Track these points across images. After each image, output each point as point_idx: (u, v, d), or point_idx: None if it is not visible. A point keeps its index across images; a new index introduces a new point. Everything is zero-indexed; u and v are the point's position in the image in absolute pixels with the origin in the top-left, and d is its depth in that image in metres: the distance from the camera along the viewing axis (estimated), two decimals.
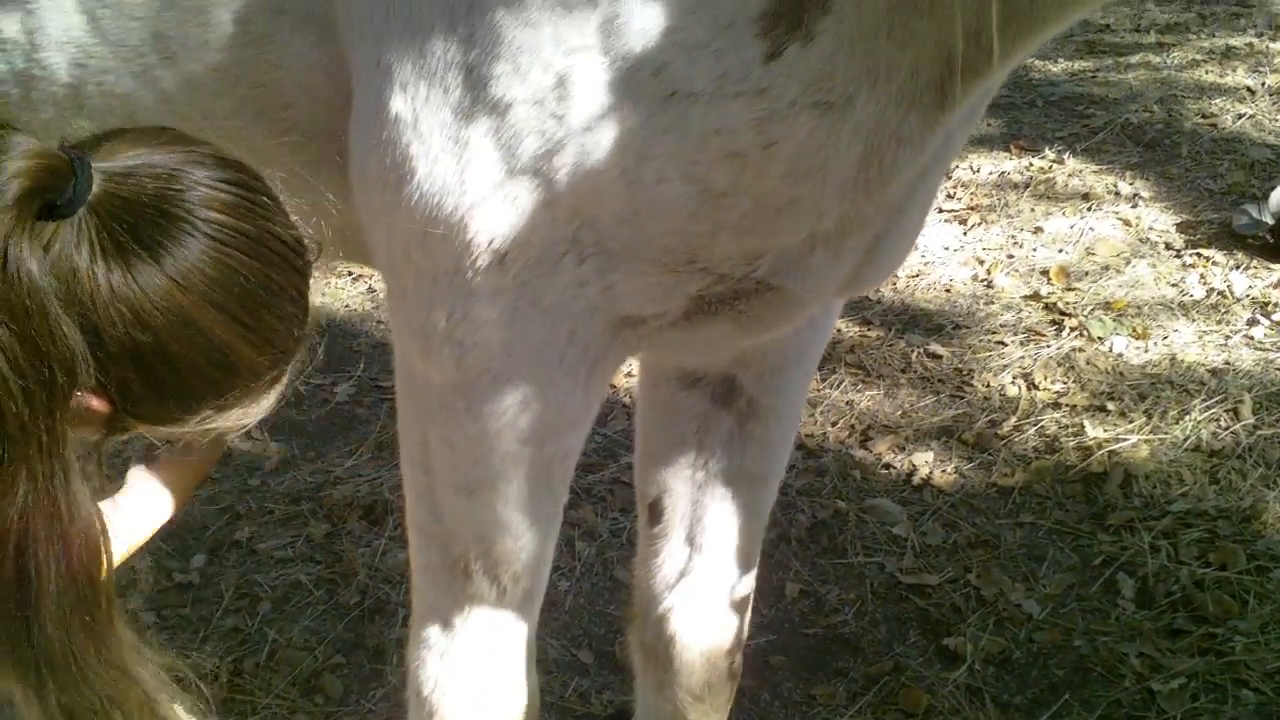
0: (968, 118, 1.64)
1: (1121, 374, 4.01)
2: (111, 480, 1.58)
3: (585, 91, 1.40)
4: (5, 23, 1.74)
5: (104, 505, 1.40)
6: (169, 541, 3.60)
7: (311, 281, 1.44)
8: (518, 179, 1.46)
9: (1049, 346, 4.17)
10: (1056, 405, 3.89)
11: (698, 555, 2.15)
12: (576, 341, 1.60)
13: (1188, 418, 3.77)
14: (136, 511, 1.64)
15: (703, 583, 2.16)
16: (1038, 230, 4.92)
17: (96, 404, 1.27)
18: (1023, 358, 4.13)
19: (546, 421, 1.66)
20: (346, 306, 4.78)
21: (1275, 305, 4.29)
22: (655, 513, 2.16)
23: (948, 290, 4.56)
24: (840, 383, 4.06)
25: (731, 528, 2.13)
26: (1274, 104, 5.77)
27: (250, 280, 1.29)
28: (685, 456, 2.09)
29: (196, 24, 1.65)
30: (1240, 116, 5.66)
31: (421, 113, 1.47)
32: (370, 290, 4.80)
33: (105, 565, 1.32)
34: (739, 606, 2.19)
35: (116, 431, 1.35)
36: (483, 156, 1.45)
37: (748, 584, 2.20)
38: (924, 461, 3.70)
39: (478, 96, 1.43)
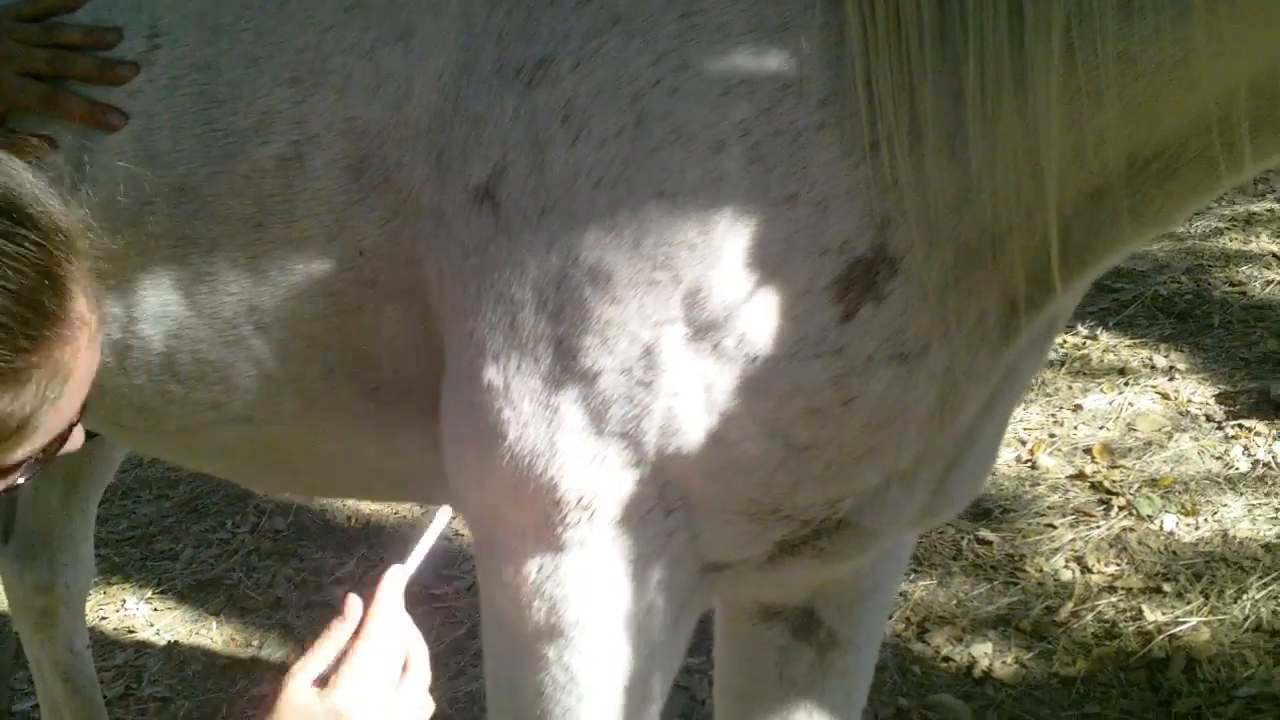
0: (1037, 346, 1.70)
1: (1174, 553, 4.00)
2: None
3: (670, 360, 1.46)
4: (106, 300, 1.83)
5: None
6: None
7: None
8: (606, 441, 1.52)
9: (1099, 527, 4.17)
10: (1112, 589, 3.87)
11: None
12: (664, 589, 1.64)
13: (1245, 596, 3.75)
14: None
15: None
16: (1077, 408, 4.96)
17: None
18: (1073, 540, 4.13)
19: (635, 668, 1.68)
20: (396, 514, 4.83)
21: None
22: None
23: (993, 474, 4.57)
24: None
25: None
26: None
27: None
28: (766, 688, 2.10)
29: (289, 296, 1.73)
30: (1269, 284, 5.73)
31: (513, 381, 1.53)
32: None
33: None
34: None
35: None
36: (572, 421, 1.52)
37: None
38: (983, 653, 3.68)
39: (567, 366, 1.50)
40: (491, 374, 1.54)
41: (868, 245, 1.42)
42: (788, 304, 1.44)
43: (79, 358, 1.31)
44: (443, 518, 1.56)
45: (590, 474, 1.54)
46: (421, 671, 1.53)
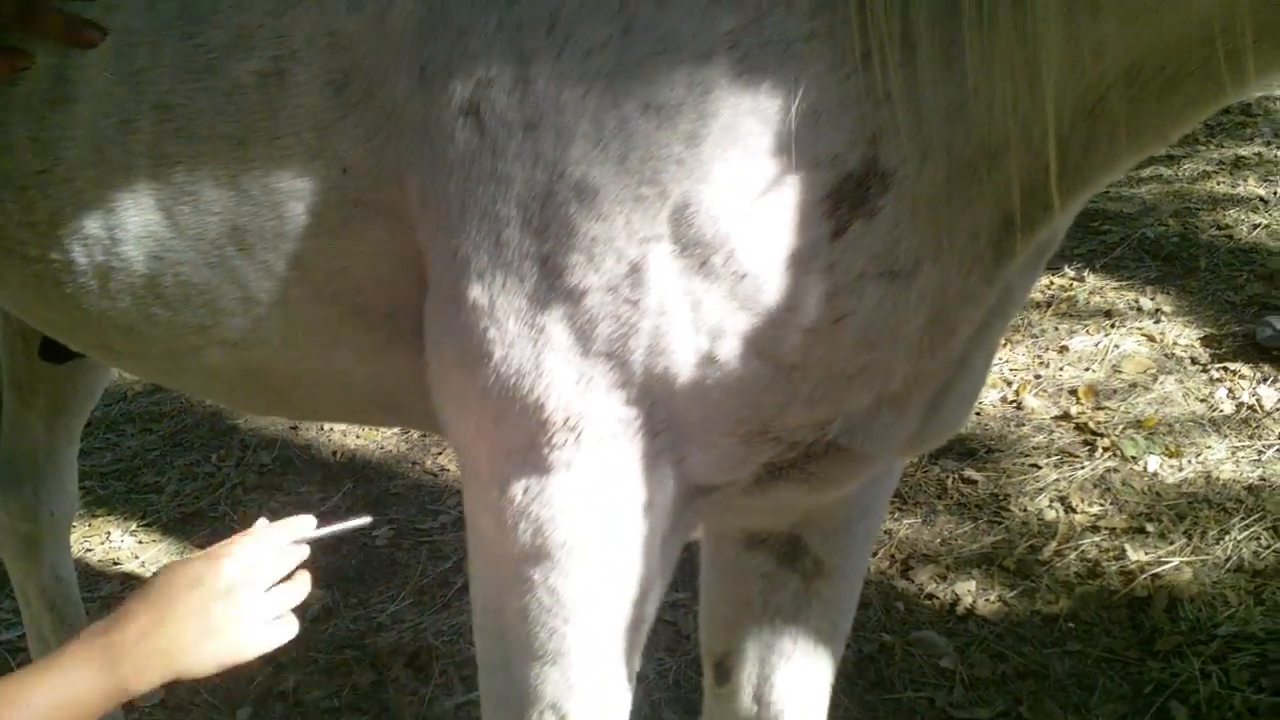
0: (1029, 269, 1.69)
1: (1158, 494, 4.02)
2: None
3: (657, 278, 1.45)
4: (87, 221, 1.80)
5: None
6: (214, 694, 3.60)
7: None
8: (592, 361, 1.50)
9: (1083, 468, 4.19)
10: (1095, 528, 3.89)
11: (766, 714, 2.15)
12: (651, 512, 1.63)
13: (1228, 537, 3.77)
14: None
15: None
16: (1063, 349, 4.97)
17: None
18: (1058, 480, 4.14)
19: (621, 591, 1.68)
20: (381, 449, 4.82)
21: None
22: (722, 671, 2.17)
23: (978, 413, 4.59)
24: None
25: (800, 686, 2.14)
26: None
27: None
28: (751, 616, 2.10)
29: (272, 217, 1.71)
30: (1255, 227, 5.72)
31: (498, 300, 1.52)
32: (404, 432, 4.84)
33: None
34: None
35: None
36: (558, 341, 1.50)
37: None
38: (967, 590, 3.70)
39: (553, 285, 1.48)
40: (476, 293, 1.53)
41: (859, 159, 1.40)
42: (777, 220, 1.42)
43: None
44: (360, 522, 1.76)
45: (576, 394, 1.52)
46: (294, 592, 1.66)
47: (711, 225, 1.42)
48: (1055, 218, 1.50)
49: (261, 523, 1.70)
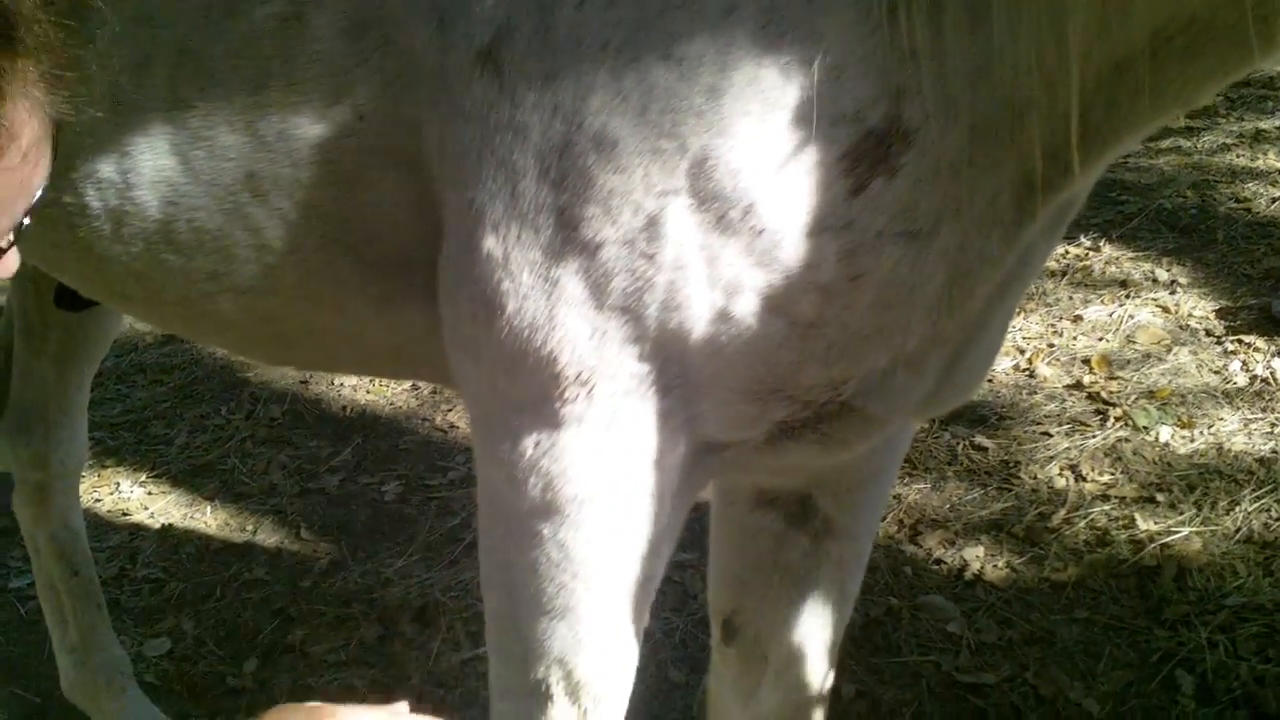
0: (1049, 232, 1.67)
1: (1169, 464, 4.01)
2: None
3: (674, 232, 1.43)
4: (101, 164, 1.79)
5: None
6: (221, 646, 3.62)
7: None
8: (606, 315, 1.49)
9: (1094, 437, 4.18)
10: (1105, 497, 3.88)
11: (772, 673, 2.15)
12: (661, 468, 1.62)
13: (1238, 508, 3.76)
14: None
15: (778, 701, 2.16)
16: (1077, 318, 4.94)
17: None
18: (1069, 448, 4.13)
19: (630, 547, 1.68)
20: (391, 404, 4.82)
21: None
22: (730, 630, 2.17)
23: (990, 381, 4.57)
24: None
25: (807, 646, 2.14)
26: None
27: None
28: (760, 575, 2.10)
29: (288, 164, 1.70)
30: (1274, 200, 5.68)
31: (513, 252, 1.50)
32: (414, 388, 4.84)
33: None
34: None
35: None
36: (572, 294, 1.49)
37: (822, 701, 2.20)
38: (975, 556, 3.70)
39: (568, 237, 1.47)
40: (491, 244, 1.51)
41: (881, 116, 1.39)
42: (797, 175, 1.40)
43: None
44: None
45: (590, 348, 1.51)
46: None
47: (730, 180, 1.41)
48: (1075, 181, 1.48)
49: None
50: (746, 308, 1.47)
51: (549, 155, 1.45)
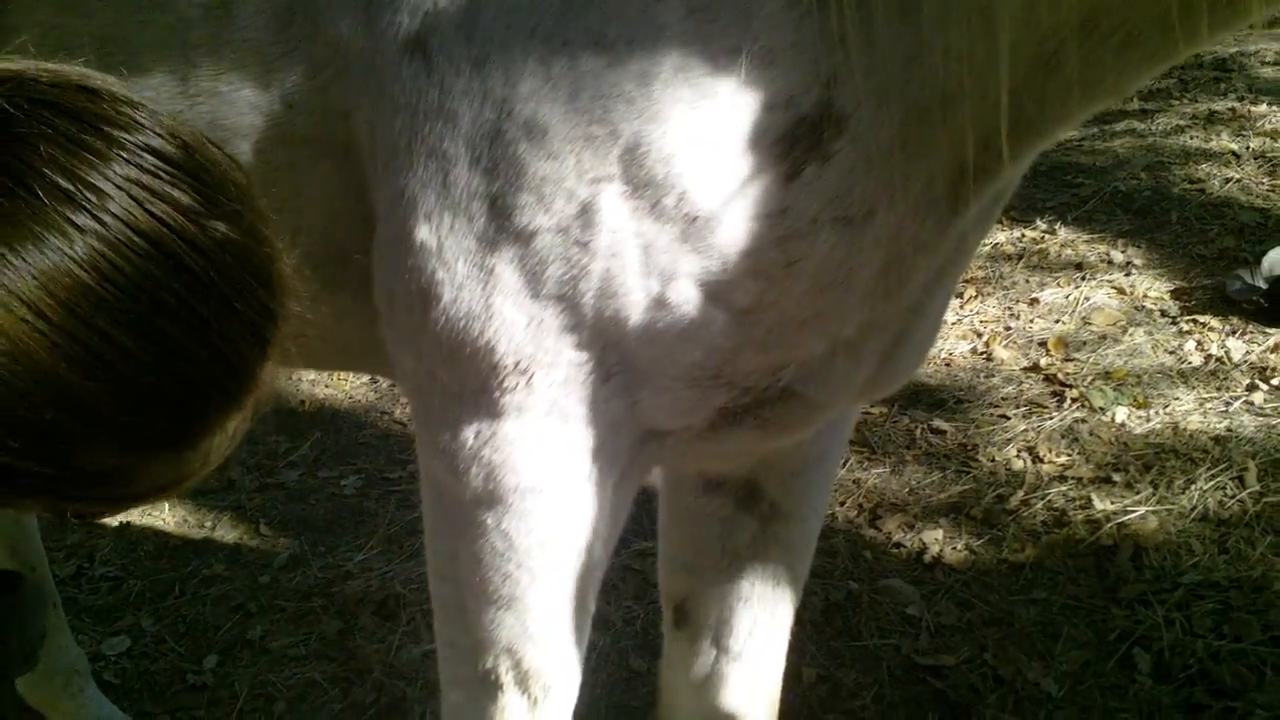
0: (983, 219, 1.68)
1: (1125, 444, 4.03)
2: None
3: (608, 219, 1.43)
4: None
5: None
6: (181, 643, 3.60)
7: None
8: (543, 304, 1.49)
9: (1051, 418, 4.20)
10: (1062, 478, 3.90)
11: (724, 657, 2.16)
12: (603, 456, 1.62)
13: (1194, 487, 3.79)
14: None
15: (730, 685, 2.17)
16: (1033, 301, 4.97)
17: None
18: (1026, 430, 4.15)
19: (574, 534, 1.67)
20: (350, 398, 4.80)
21: (1273, 370, 4.32)
22: (681, 615, 2.17)
23: (948, 364, 4.59)
24: (846, 461, 4.07)
25: (758, 630, 2.14)
26: (1259, 167, 5.84)
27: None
28: (710, 560, 2.10)
29: None
30: (1227, 181, 5.72)
31: (446, 241, 1.49)
32: (373, 381, 4.82)
33: None
34: (766, 708, 2.20)
35: None
36: (508, 283, 1.48)
37: (775, 685, 2.21)
38: (934, 539, 3.71)
39: (502, 225, 1.46)
40: (424, 234, 1.51)
41: (813, 103, 1.39)
42: (730, 162, 1.40)
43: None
44: None
45: (527, 337, 1.51)
46: None
47: (663, 166, 1.41)
48: (1008, 168, 1.49)
49: None
50: (682, 294, 1.47)
51: (480, 143, 1.44)
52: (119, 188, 0.97)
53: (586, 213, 1.43)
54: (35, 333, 0.92)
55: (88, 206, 0.95)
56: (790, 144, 1.40)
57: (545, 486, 1.62)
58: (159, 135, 1.02)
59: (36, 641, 1.25)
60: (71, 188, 0.94)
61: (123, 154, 0.99)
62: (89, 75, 1.04)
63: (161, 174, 1.00)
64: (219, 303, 1.03)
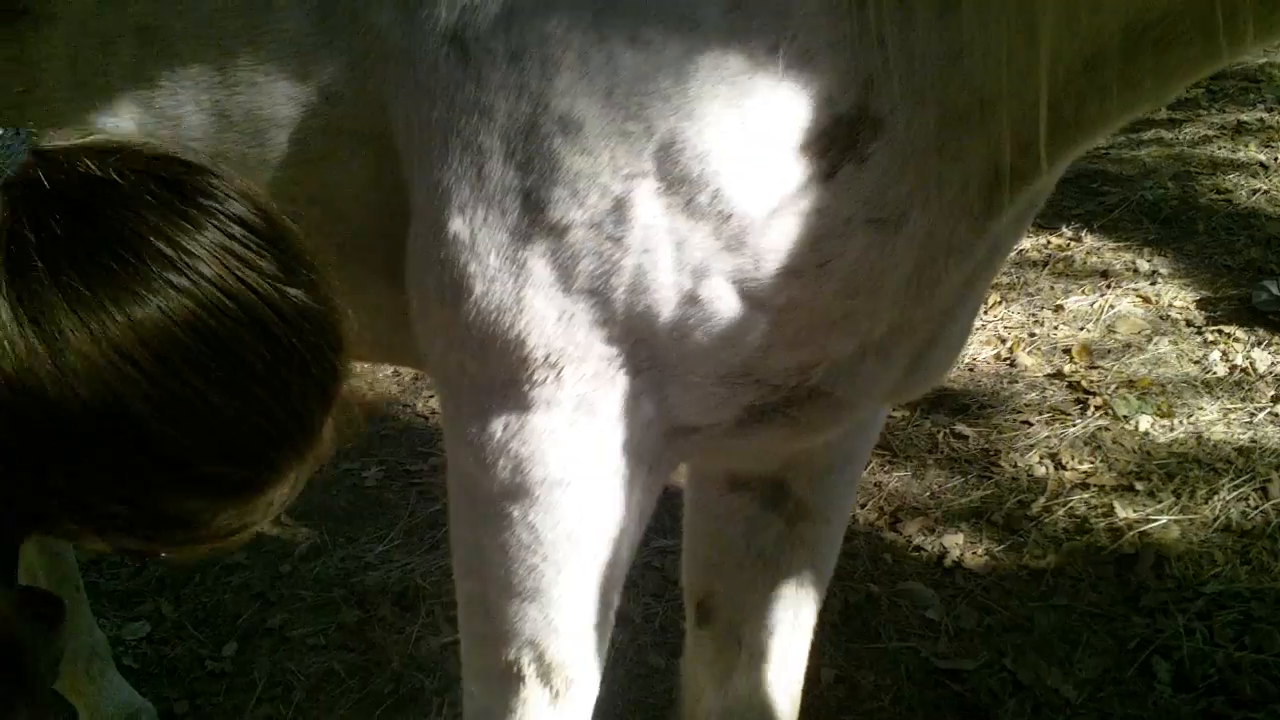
0: (1016, 224, 1.67)
1: (1148, 453, 4.02)
2: None
3: (641, 215, 1.43)
4: None
5: None
6: (201, 630, 3.62)
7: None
8: (574, 298, 1.49)
9: (1074, 426, 4.18)
10: (1085, 485, 3.89)
11: (746, 655, 2.16)
12: (631, 451, 1.63)
13: (1216, 497, 3.77)
14: None
15: (752, 684, 2.17)
16: (1058, 308, 4.95)
17: None
18: (1049, 437, 4.14)
19: (600, 529, 1.68)
20: (373, 391, 4.81)
21: None
22: (704, 612, 2.18)
23: (971, 369, 4.58)
24: (868, 464, 4.07)
25: (780, 629, 2.14)
26: None
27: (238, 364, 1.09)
28: (734, 558, 2.10)
29: (255, 144, 1.69)
30: (1254, 192, 5.69)
31: (479, 234, 1.50)
32: (396, 374, 4.84)
33: None
34: (789, 708, 2.20)
35: None
36: (540, 277, 1.49)
37: (796, 684, 2.21)
38: (955, 544, 3.70)
39: (535, 219, 1.47)
40: (458, 226, 1.51)
41: (851, 103, 1.39)
42: (765, 160, 1.41)
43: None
44: None
45: (558, 331, 1.51)
46: None
47: (698, 163, 1.41)
48: (1044, 173, 1.48)
49: None
50: (714, 292, 1.47)
51: (515, 137, 1.45)
52: (212, 254, 1.06)
53: (620, 208, 1.43)
54: (133, 381, 1.01)
55: (184, 270, 1.04)
56: (827, 144, 1.40)
57: (573, 480, 1.62)
58: (244, 206, 1.11)
59: (59, 656, 1.33)
60: (172, 254, 1.03)
61: (214, 223, 1.08)
62: (183, 149, 1.15)
63: (250, 244, 1.09)
64: (298, 367, 1.13)
